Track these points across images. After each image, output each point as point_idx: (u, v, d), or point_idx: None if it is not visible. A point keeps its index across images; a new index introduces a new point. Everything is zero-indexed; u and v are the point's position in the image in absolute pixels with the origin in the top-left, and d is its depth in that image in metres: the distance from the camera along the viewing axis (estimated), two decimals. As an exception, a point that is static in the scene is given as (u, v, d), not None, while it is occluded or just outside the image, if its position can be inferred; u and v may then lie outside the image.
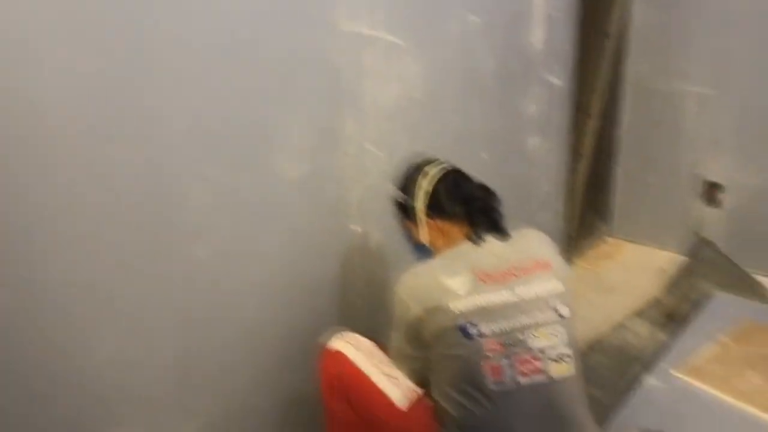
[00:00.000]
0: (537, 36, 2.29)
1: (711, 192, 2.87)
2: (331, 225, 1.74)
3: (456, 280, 1.39)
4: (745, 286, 2.69)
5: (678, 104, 2.84)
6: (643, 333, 2.45)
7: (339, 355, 1.56)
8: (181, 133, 1.33)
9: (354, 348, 1.57)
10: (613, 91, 2.97)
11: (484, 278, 1.40)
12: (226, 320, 1.54)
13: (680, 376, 2.04)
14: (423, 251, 1.57)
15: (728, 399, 1.94)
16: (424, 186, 1.52)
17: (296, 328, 1.73)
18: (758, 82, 2.63)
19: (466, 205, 1.49)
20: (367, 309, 1.90)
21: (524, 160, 2.46)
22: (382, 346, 1.62)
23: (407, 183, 1.57)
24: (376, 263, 1.89)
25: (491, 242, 1.46)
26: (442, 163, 1.57)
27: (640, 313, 2.58)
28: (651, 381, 2.04)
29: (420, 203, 1.53)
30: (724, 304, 2.46)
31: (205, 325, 1.49)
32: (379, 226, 1.87)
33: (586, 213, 3.11)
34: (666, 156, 2.95)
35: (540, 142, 2.49)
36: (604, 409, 1.98)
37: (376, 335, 1.71)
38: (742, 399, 1.92)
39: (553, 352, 1.39)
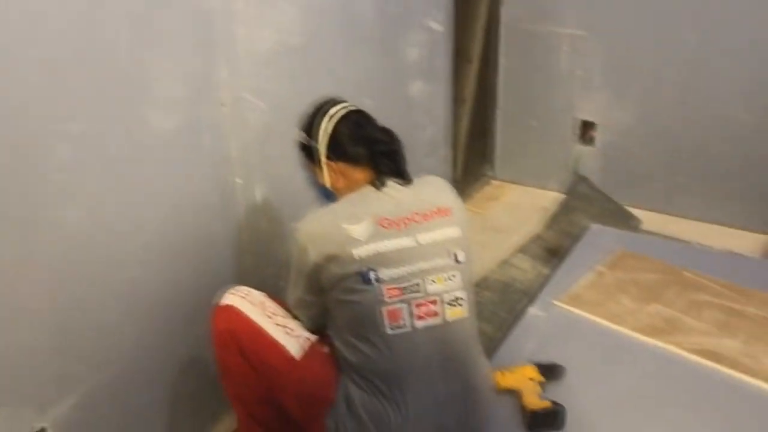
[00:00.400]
0: (413, -20, 2.28)
1: (585, 131, 3.01)
2: (212, 179, 1.69)
3: (357, 225, 1.39)
4: (619, 218, 2.87)
5: (552, 46, 2.93)
6: (527, 268, 2.57)
7: (229, 309, 1.53)
8: (37, 87, 1.23)
9: (245, 301, 1.54)
10: (491, 35, 3.03)
11: (385, 224, 1.40)
12: (105, 284, 1.46)
13: (560, 305, 2.16)
14: (327, 195, 1.55)
15: (603, 322, 2.07)
16: (326, 127, 1.49)
17: (185, 289, 1.68)
18: (624, 24, 2.76)
19: (368, 147, 1.47)
20: (255, 262, 1.87)
21: (408, 106, 2.47)
22: (274, 297, 1.61)
23: (309, 124, 1.53)
24: (261, 216, 1.86)
25: (393, 187, 1.46)
26: (346, 103, 1.53)
27: (523, 250, 2.70)
28: (534, 312, 2.15)
29: (321, 145, 1.49)
30: (600, 236, 2.61)
31: (82, 291, 1.42)
32: (263, 177, 1.83)
33: (471, 157, 3.19)
34: (543, 98, 3.06)
35: (423, 87, 2.51)
36: (492, 342, 2.07)
37: (267, 287, 1.69)
38: (615, 321, 2.06)
39: (448, 296, 1.43)
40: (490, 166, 3.35)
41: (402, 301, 1.39)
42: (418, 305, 1.40)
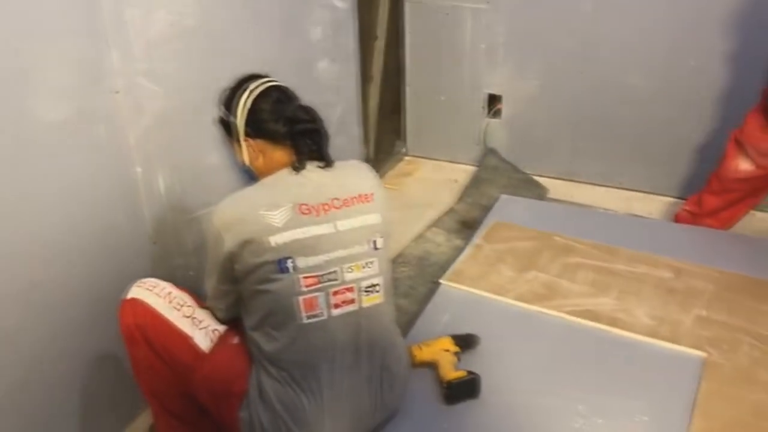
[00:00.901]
0: (313, -43, 2.25)
1: (492, 104, 3.07)
2: (110, 170, 1.62)
3: (275, 212, 1.35)
4: (527, 187, 2.96)
5: (456, 21, 2.96)
6: (441, 241, 2.62)
7: (135, 303, 1.49)
8: None
9: (151, 293, 1.51)
10: (397, 11, 3.03)
11: (304, 210, 1.37)
12: (2, 284, 1.39)
13: (445, 282, 2.19)
14: (249, 174, 1.51)
15: (488, 294, 2.11)
16: (245, 102, 1.44)
17: (91, 285, 1.62)
18: (523, -2, 2.82)
19: (288, 125, 1.42)
20: (163, 253, 1.82)
21: (315, 85, 2.44)
22: (183, 287, 1.57)
23: (229, 98, 1.49)
24: (166, 205, 1.80)
25: (314, 171, 1.42)
26: (268, 78, 1.49)
27: (438, 224, 2.75)
28: (444, 285, 2.19)
29: (240, 121, 1.45)
30: (508, 205, 2.68)
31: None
32: (166, 165, 1.77)
33: (383, 134, 3.20)
34: (451, 73, 3.09)
35: (329, 67, 2.49)
36: (410, 316, 2.11)
37: (177, 278, 1.65)
38: (499, 292, 2.12)
39: (365, 283, 1.42)
40: (403, 142, 3.38)
41: (318, 290, 1.37)
42: (335, 293, 1.39)
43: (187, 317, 1.51)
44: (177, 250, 1.87)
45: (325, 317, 1.39)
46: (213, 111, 1.57)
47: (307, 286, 1.36)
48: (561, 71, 2.86)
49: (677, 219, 2.57)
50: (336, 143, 2.58)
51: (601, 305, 2.03)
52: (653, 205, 2.83)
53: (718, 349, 1.85)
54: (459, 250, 2.44)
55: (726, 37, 2.53)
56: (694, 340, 1.89)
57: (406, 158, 3.38)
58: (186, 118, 1.81)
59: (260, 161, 1.47)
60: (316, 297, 1.37)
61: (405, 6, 3.03)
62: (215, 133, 1.64)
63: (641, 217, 2.72)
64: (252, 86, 1.46)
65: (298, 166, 1.41)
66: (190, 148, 1.86)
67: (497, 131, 3.10)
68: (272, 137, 1.44)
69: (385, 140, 3.26)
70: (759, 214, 2.63)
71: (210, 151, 1.91)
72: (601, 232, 2.41)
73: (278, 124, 1.43)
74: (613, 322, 1.96)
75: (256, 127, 1.45)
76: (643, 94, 2.76)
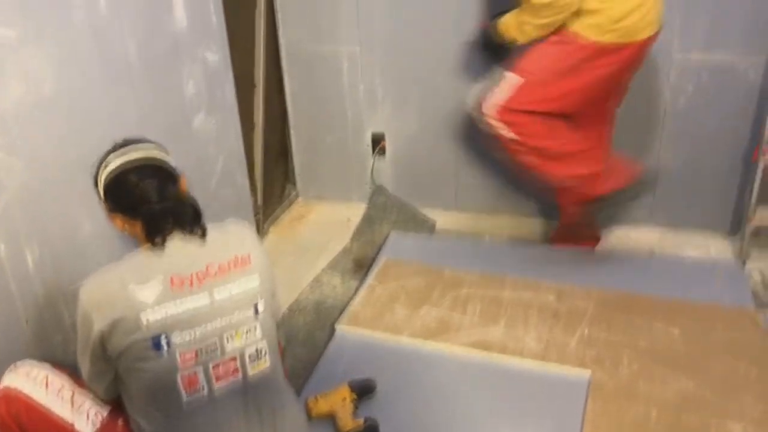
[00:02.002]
0: (179, 12, 2.22)
1: (377, 142, 3.13)
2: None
3: (145, 286, 1.30)
4: (416, 222, 3.02)
5: (334, 64, 3.01)
6: (336, 284, 2.62)
7: (10, 392, 1.41)
8: None
9: (27, 379, 1.43)
10: (274, 58, 3.04)
11: (177, 282, 1.32)
12: None
13: (342, 327, 2.21)
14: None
15: (385, 335, 2.15)
16: (104, 178, 1.41)
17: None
18: (395, 36, 2.89)
19: (141, 206, 1.37)
20: (38, 331, 1.73)
21: (194, 140, 2.40)
22: (62, 367, 1.49)
23: (96, 170, 1.45)
24: (36, 281, 1.71)
25: (186, 239, 1.38)
26: (136, 149, 1.44)
27: (332, 266, 2.75)
28: (340, 329, 2.20)
29: (101, 194, 1.44)
30: (398, 242, 2.73)
31: None
32: (33, 239, 1.69)
33: (272, 180, 3.18)
34: (334, 114, 3.13)
35: (206, 119, 2.46)
36: (306, 365, 2.09)
37: (56, 357, 1.57)
38: (395, 331, 2.16)
39: (249, 350, 1.39)
40: (293, 186, 3.37)
41: (198, 365, 1.33)
42: (216, 366, 1.35)
43: (67, 402, 1.44)
44: (54, 326, 1.78)
45: (207, 394, 1.35)
46: (86, 178, 1.53)
47: (185, 363, 1.32)
48: (437, 106, 2.96)
49: (551, 240, 2.70)
50: (221, 195, 2.60)
51: (491, 334, 2.10)
52: (536, 229, 2.96)
53: (602, 366, 1.95)
54: (355, 291, 2.46)
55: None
56: (580, 359, 1.98)
57: (298, 201, 3.38)
58: (54, 189, 1.74)
59: (132, 231, 1.44)
60: (195, 373, 1.33)
61: (282, 52, 3.06)
62: (89, 200, 1.59)
63: (525, 242, 2.84)
64: (111, 162, 1.43)
65: (157, 242, 1.36)
66: (62, 219, 1.78)
67: (384, 169, 3.16)
68: (130, 214, 1.40)
69: (275, 185, 3.24)
70: (633, 234, 2.80)
71: (83, 220, 1.84)
72: (488, 262, 2.50)
73: (132, 204, 1.39)
74: (503, 350, 2.03)
75: (113, 203, 1.43)
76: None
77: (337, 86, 3.06)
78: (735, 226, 2.74)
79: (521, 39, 2.24)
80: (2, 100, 1.56)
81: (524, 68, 2.24)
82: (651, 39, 2.22)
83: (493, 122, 2.28)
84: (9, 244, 1.62)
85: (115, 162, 1.42)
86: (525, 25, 2.19)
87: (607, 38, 2.13)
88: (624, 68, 2.24)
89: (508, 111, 2.24)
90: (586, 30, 2.14)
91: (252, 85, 2.93)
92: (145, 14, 2.06)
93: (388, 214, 3.02)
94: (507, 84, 2.25)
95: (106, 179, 1.41)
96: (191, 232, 1.40)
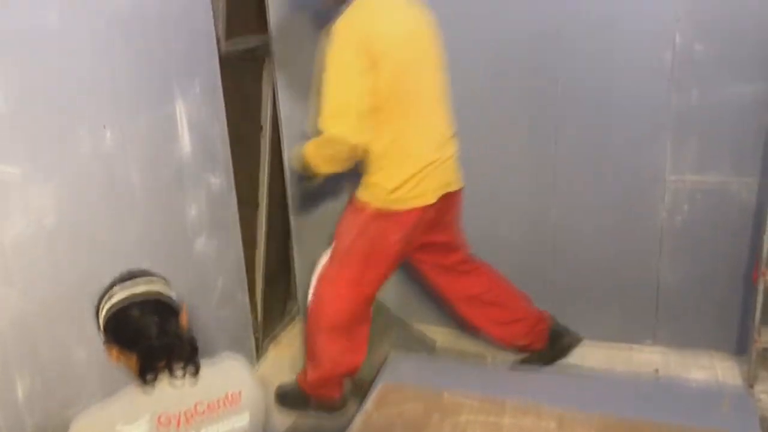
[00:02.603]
0: (184, 140, 2.32)
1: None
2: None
3: (133, 427, 1.29)
4: (417, 341, 2.99)
5: (338, 185, 3.08)
6: (334, 408, 2.57)
7: None
8: None
9: None
10: (278, 176, 3.13)
11: (165, 422, 1.32)
12: None
13: None
14: None
15: None
16: (105, 310, 1.42)
17: None
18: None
19: (142, 343, 1.38)
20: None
21: (195, 262, 2.44)
22: None
23: (99, 300, 1.45)
24: (25, 413, 1.69)
25: (179, 377, 1.38)
26: (140, 283, 1.45)
27: (332, 388, 2.70)
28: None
29: (102, 326, 1.43)
30: (398, 364, 2.69)
31: None
32: (25, 369, 1.69)
33: (273, 298, 3.19)
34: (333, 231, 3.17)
35: (208, 241, 2.50)
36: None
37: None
38: None
39: None
40: (294, 302, 3.37)
41: None
42: None
43: None
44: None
45: None
46: (82, 306, 1.54)
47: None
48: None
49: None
50: (220, 315, 2.61)
51: (490, 464, 2.02)
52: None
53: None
54: (352, 418, 2.40)
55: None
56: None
57: (300, 318, 3.37)
58: (49, 315, 1.75)
59: (123, 364, 1.43)
60: None
61: (285, 172, 3.15)
62: (84, 327, 1.60)
63: (527, 365, 2.79)
64: (116, 294, 1.43)
65: (147, 381, 1.36)
66: (55, 346, 1.79)
67: (385, 285, 3.16)
68: (127, 347, 1.40)
69: (276, 303, 3.25)
70: (637, 355, 2.76)
71: (78, 346, 1.84)
72: (488, 385, 2.44)
73: (131, 338, 1.39)
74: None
75: (113, 335, 1.43)
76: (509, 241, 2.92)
77: (339, 205, 3.11)
78: (741, 345, 2.69)
79: (315, 168, 2.28)
80: (2, 233, 1.61)
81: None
82: (446, 198, 2.35)
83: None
84: (7, 375, 1.62)
85: (119, 295, 1.43)
86: (314, 156, 2.24)
87: (386, 205, 2.28)
88: (412, 230, 2.34)
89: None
90: (368, 198, 2.31)
91: (255, 205, 3.00)
92: (151, 142, 2.15)
93: (387, 333, 2.99)
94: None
95: (108, 311, 1.42)
96: (184, 369, 1.39)
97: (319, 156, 2.22)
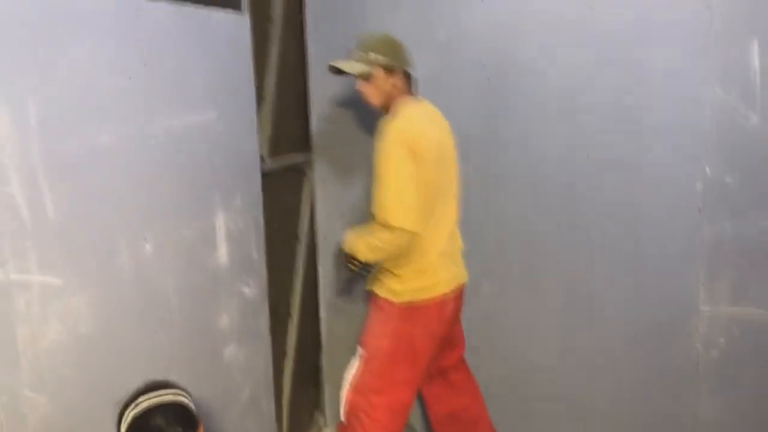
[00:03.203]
0: (221, 250, 2.42)
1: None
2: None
3: None
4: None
5: (368, 297, 3.12)
6: None
7: None
8: None
9: None
10: (312, 288, 3.19)
11: None
12: None
13: None
14: None
15: None
16: (130, 417, 1.52)
17: None
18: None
19: None
20: None
21: (223, 371, 2.47)
22: None
23: (123, 408, 1.57)
24: None
25: None
26: (164, 394, 1.57)
27: None
28: None
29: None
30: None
31: None
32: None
33: (300, 408, 3.17)
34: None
35: (237, 350, 2.55)
36: None
37: None
38: None
39: None
40: (322, 414, 3.34)
41: None
42: None
43: None
44: None
45: None
46: (106, 413, 1.61)
47: None
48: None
49: None
50: (244, 424, 2.60)
51: None
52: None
53: None
54: None
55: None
56: None
57: (326, 430, 3.32)
58: (73, 422, 1.80)
59: None
60: None
61: (319, 284, 3.21)
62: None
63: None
64: (141, 404, 1.55)
65: None
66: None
67: (415, 406, 3.11)
68: None
69: (303, 413, 3.22)
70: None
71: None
72: None
73: None
74: None
75: None
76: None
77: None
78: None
79: (361, 254, 2.35)
80: (39, 339, 1.69)
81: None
82: (454, 293, 2.43)
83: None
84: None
85: (143, 404, 1.52)
86: (365, 242, 2.32)
87: (405, 299, 2.36)
88: (436, 324, 2.41)
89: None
90: (388, 294, 2.39)
91: (287, 315, 3.05)
92: (189, 253, 2.25)
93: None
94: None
95: (132, 419, 1.51)
96: None
97: (370, 245, 2.30)
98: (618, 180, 2.62)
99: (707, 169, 2.48)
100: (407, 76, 2.44)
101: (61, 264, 1.75)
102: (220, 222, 2.41)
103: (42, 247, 1.69)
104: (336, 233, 3.08)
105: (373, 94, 2.43)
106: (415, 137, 2.25)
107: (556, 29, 2.62)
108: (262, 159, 2.67)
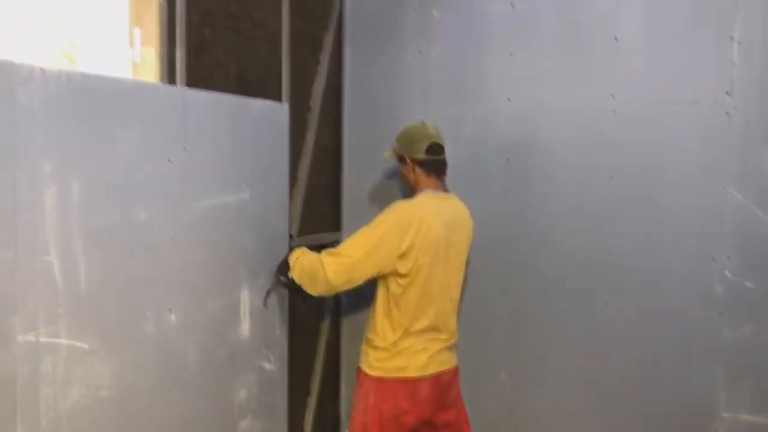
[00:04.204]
0: (244, 326, 2.50)
1: None
2: None
3: None
4: None
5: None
6: None
7: None
8: None
9: None
10: (332, 369, 3.23)
11: None
12: None
13: None
14: None
15: None
16: None
17: None
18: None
19: None
20: None
21: (235, 444, 2.51)
22: None
23: None
24: None
25: None
26: None
27: None
28: None
29: None
30: None
31: None
32: None
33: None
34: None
35: (252, 423, 2.58)
36: None
37: None
38: None
39: None
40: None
41: None
42: None
43: None
44: None
45: None
46: None
47: None
48: None
49: None
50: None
51: None
52: None
53: None
54: None
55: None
56: None
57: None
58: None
59: None
60: None
61: (341, 369, 3.24)
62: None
63: None
64: None
65: None
66: None
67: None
68: None
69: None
70: None
71: None
72: None
73: None
74: None
75: None
76: None
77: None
78: None
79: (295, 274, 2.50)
80: (60, 402, 1.78)
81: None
82: (433, 378, 2.45)
83: None
84: None
85: None
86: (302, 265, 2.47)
87: (376, 373, 2.44)
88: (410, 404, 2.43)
89: None
90: (364, 366, 2.49)
91: (306, 392, 3.09)
92: (212, 326, 2.33)
93: None
94: None
95: None
96: None
97: (304, 269, 2.46)
98: (636, 279, 2.64)
99: (727, 273, 2.49)
100: (435, 166, 2.52)
101: (89, 330, 1.86)
102: (245, 298, 2.50)
103: (73, 313, 1.80)
104: (360, 312, 3.14)
105: (403, 178, 2.63)
106: (412, 220, 2.38)
107: (579, 145, 2.75)
108: (290, 237, 2.79)
